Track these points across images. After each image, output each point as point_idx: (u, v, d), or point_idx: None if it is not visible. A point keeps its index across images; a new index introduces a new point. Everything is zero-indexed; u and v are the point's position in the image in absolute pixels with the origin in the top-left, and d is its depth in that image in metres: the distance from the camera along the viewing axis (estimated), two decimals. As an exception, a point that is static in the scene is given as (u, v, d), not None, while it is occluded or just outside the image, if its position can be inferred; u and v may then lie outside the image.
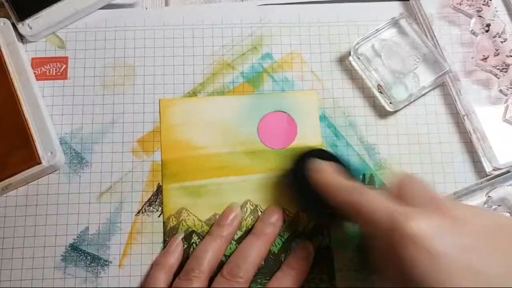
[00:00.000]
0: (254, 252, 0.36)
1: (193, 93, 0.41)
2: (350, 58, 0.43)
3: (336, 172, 0.34)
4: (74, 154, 0.40)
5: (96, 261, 0.37)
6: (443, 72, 0.40)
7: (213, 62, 0.42)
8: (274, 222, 0.37)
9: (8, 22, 0.41)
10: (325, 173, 0.34)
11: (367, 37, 0.42)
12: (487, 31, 0.42)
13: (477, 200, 0.38)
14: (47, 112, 0.40)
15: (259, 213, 0.39)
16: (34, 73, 0.41)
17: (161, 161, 0.40)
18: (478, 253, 0.25)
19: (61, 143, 0.40)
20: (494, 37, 0.42)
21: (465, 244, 0.25)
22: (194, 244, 0.38)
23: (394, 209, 0.27)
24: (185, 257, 0.37)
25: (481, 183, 0.38)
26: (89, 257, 0.37)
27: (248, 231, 0.38)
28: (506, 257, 0.25)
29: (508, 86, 0.41)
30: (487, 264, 0.25)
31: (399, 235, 0.25)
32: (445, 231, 0.25)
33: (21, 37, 0.42)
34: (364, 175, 0.40)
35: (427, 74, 0.41)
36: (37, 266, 0.37)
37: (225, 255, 0.38)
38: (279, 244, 0.38)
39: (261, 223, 0.37)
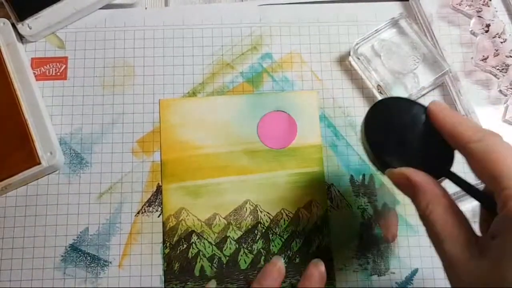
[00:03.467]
0: None
1: (193, 93, 0.41)
2: (350, 58, 0.43)
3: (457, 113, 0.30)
4: (73, 154, 0.40)
5: (96, 262, 0.37)
6: (442, 72, 0.40)
7: (213, 62, 0.42)
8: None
9: (8, 22, 0.41)
10: (451, 111, 0.29)
11: (367, 37, 0.42)
12: (486, 31, 0.42)
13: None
14: (46, 112, 0.40)
15: (259, 213, 0.39)
16: (34, 73, 0.41)
17: (161, 161, 0.40)
18: None
19: (60, 144, 0.40)
20: (493, 37, 0.42)
21: None
22: (193, 244, 0.38)
23: None
24: (185, 257, 0.37)
25: (481, 183, 0.38)
26: (89, 258, 0.37)
27: (248, 231, 0.38)
28: None
29: (508, 87, 0.41)
30: None
31: None
32: None
33: (21, 37, 0.42)
34: (363, 175, 0.40)
35: (427, 74, 0.41)
36: (37, 266, 0.37)
37: (224, 255, 0.38)
38: (279, 244, 0.38)
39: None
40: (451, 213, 0.27)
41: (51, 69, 0.42)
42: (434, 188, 0.27)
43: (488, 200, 0.27)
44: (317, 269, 0.34)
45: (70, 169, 0.39)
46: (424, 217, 0.27)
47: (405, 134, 0.30)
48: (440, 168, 0.29)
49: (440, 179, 0.29)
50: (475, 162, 0.26)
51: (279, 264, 0.34)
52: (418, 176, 0.28)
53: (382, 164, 0.31)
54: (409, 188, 0.28)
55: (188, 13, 0.44)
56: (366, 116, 0.31)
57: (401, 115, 0.31)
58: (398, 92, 0.40)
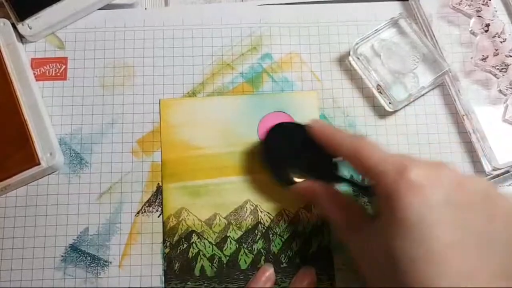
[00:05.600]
0: None
1: (193, 94, 0.41)
2: (350, 58, 0.43)
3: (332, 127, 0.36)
4: (73, 154, 0.40)
5: (96, 262, 0.37)
6: (442, 72, 0.40)
7: (213, 62, 0.42)
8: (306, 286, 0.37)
9: (8, 22, 0.41)
10: (326, 126, 0.36)
11: (367, 37, 0.42)
12: (486, 31, 0.42)
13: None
14: (46, 112, 0.40)
15: (259, 213, 0.39)
16: (34, 73, 0.41)
17: (161, 160, 0.40)
18: (464, 213, 0.27)
19: (60, 144, 0.40)
20: (493, 37, 0.42)
21: (457, 202, 0.28)
22: (193, 244, 0.38)
23: (401, 157, 0.30)
24: (186, 257, 0.37)
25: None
26: (89, 258, 0.37)
27: (249, 231, 0.38)
28: (486, 222, 0.28)
29: (508, 86, 0.41)
30: (471, 225, 0.27)
31: (404, 180, 0.28)
32: (442, 185, 0.28)
33: (20, 38, 0.42)
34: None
35: (426, 74, 0.41)
36: (37, 266, 0.37)
37: (224, 255, 0.38)
38: (279, 244, 0.38)
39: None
40: (338, 203, 0.34)
41: (51, 69, 0.42)
42: (326, 189, 0.35)
43: (368, 189, 0.36)
44: (308, 272, 0.37)
45: (70, 169, 0.39)
46: (324, 214, 0.36)
47: (296, 152, 0.37)
48: (328, 174, 0.37)
49: (331, 183, 0.36)
50: (352, 162, 0.33)
51: (270, 271, 0.37)
52: (314, 185, 0.35)
53: (282, 180, 0.37)
54: (310, 195, 0.36)
55: (188, 13, 0.44)
56: (264, 144, 0.38)
57: (291, 137, 0.38)
58: (398, 92, 0.40)
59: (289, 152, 0.38)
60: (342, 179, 0.37)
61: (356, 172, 0.33)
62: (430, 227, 0.26)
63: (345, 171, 0.37)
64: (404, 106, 0.41)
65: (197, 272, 0.37)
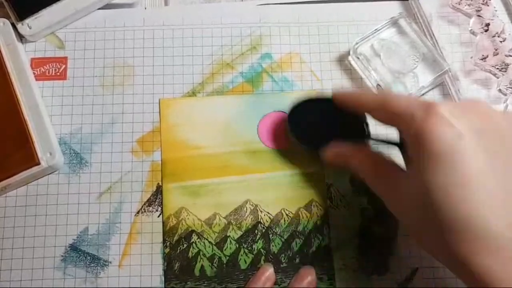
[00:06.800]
0: None
1: (192, 93, 0.41)
2: (350, 58, 0.43)
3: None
4: (73, 154, 0.40)
5: (95, 262, 0.37)
6: (442, 71, 0.40)
7: (213, 62, 0.42)
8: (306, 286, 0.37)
9: (8, 22, 0.41)
10: (349, 90, 0.37)
11: (367, 37, 0.42)
12: (486, 30, 0.42)
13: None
14: (46, 112, 0.40)
15: (259, 213, 0.39)
16: (34, 73, 0.41)
17: (161, 160, 0.40)
18: (492, 139, 0.28)
19: (60, 144, 0.40)
20: (493, 36, 0.42)
21: (484, 129, 0.29)
22: (193, 244, 0.38)
23: (424, 101, 0.30)
24: (186, 257, 0.37)
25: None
26: (88, 258, 0.37)
27: (249, 231, 0.38)
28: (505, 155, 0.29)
29: (507, 86, 0.41)
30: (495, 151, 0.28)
31: (432, 116, 0.29)
32: (469, 116, 0.29)
33: (20, 37, 0.42)
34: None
35: (426, 73, 0.41)
36: (37, 266, 0.37)
37: (224, 255, 0.38)
38: (279, 244, 0.38)
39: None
40: (374, 157, 0.35)
41: (50, 69, 0.42)
42: (355, 148, 0.36)
43: (401, 145, 0.35)
44: (308, 272, 0.37)
45: (70, 169, 0.39)
46: (360, 172, 0.35)
47: (323, 121, 0.38)
48: (359, 135, 0.37)
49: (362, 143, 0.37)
50: (381, 115, 0.33)
51: (270, 271, 0.37)
52: (343, 146, 0.36)
53: (311, 147, 0.38)
54: (341, 157, 0.36)
55: (188, 13, 0.44)
56: (290, 117, 0.39)
57: (316, 110, 0.38)
58: (398, 91, 0.40)
59: (316, 122, 0.38)
60: (374, 139, 0.37)
61: (387, 124, 0.33)
62: (462, 155, 0.27)
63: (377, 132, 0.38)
64: (404, 106, 0.41)
65: (197, 272, 0.37)
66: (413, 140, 0.30)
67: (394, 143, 0.36)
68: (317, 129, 0.38)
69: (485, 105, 0.31)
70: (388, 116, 0.33)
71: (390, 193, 0.33)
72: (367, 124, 0.37)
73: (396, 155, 0.36)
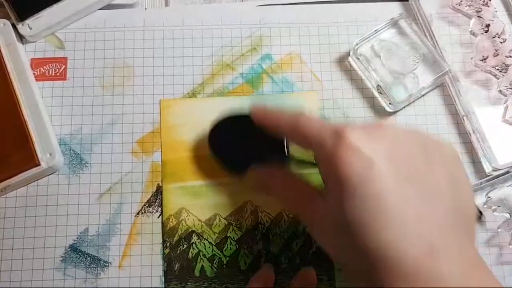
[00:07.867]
0: None
1: (193, 94, 0.41)
2: (350, 59, 0.43)
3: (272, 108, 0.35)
4: (73, 155, 0.40)
5: (95, 262, 0.37)
6: (442, 72, 0.40)
7: (213, 62, 0.42)
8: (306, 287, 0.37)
9: (8, 23, 0.41)
10: (266, 109, 0.35)
11: (367, 38, 0.42)
12: (486, 31, 0.42)
13: (477, 200, 0.38)
14: (46, 112, 0.40)
15: (259, 214, 0.39)
16: (34, 73, 0.41)
17: (161, 161, 0.40)
18: (404, 165, 0.27)
19: (60, 144, 0.40)
20: (493, 37, 0.42)
21: (396, 155, 0.28)
22: (193, 244, 0.38)
23: (335, 125, 0.29)
24: (186, 257, 0.37)
25: (481, 184, 0.38)
26: (88, 258, 0.37)
27: (249, 232, 0.38)
28: (427, 171, 0.28)
29: (508, 87, 0.41)
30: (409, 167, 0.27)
31: (342, 142, 0.28)
32: (380, 142, 0.28)
33: (20, 38, 0.42)
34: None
35: (426, 74, 0.41)
36: (37, 267, 0.37)
37: (224, 255, 0.38)
38: (279, 244, 0.38)
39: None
40: (293, 182, 0.34)
41: (50, 70, 0.42)
42: (277, 172, 0.35)
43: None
44: (309, 272, 0.37)
45: (70, 169, 0.39)
46: (279, 198, 0.35)
47: (245, 141, 0.36)
48: (280, 157, 0.36)
49: (284, 166, 0.36)
50: (293, 137, 0.32)
51: (270, 271, 0.37)
52: (266, 169, 0.35)
53: (234, 168, 0.37)
54: (263, 182, 0.35)
55: (188, 14, 0.44)
56: (210, 137, 0.38)
57: (238, 127, 0.37)
58: (398, 92, 0.40)
59: (238, 141, 0.37)
60: (295, 159, 0.36)
61: (302, 147, 0.32)
62: (373, 184, 0.26)
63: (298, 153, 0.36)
64: (404, 107, 0.41)
65: (197, 272, 0.37)
66: (325, 166, 0.29)
67: (316, 164, 0.34)
68: (240, 149, 0.37)
69: (392, 127, 0.30)
70: (301, 140, 0.31)
71: (310, 218, 0.32)
72: (288, 144, 0.36)
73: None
